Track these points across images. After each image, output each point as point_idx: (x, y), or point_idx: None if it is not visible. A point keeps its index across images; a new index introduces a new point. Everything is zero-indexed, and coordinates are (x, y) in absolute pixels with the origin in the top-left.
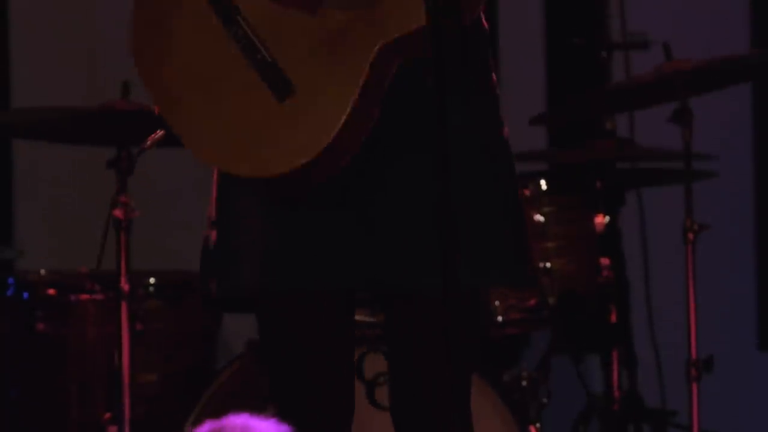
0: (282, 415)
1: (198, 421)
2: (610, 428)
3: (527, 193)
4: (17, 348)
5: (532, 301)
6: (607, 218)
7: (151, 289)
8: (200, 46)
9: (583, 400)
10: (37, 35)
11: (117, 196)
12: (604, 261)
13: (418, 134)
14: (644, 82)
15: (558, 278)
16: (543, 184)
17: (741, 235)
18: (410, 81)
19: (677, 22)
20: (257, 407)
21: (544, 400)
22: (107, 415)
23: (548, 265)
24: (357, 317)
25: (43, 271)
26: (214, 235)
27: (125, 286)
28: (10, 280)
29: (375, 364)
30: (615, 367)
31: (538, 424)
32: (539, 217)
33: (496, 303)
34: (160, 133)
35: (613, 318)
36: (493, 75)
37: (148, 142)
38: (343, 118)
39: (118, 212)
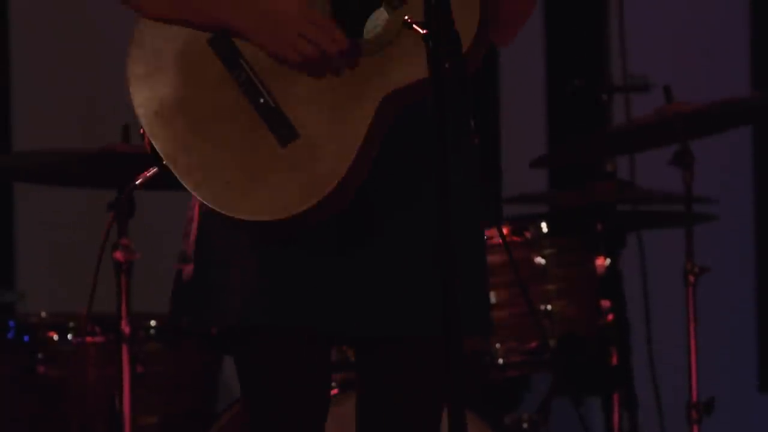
0: None
1: None
2: None
3: (528, 235)
4: (18, 391)
5: (533, 344)
6: (608, 260)
7: (152, 331)
8: (201, 87)
9: None
10: (39, 78)
11: (118, 239)
12: (605, 303)
13: (408, 176)
14: (645, 125)
15: (559, 320)
16: (544, 226)
17: (741, 278)
18: (409, 124)
19: (678, 64)
20: None
21: None
22: None
23: (549, 307)
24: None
25: (43, 314)
26: (189, 269)
27: (126, 328)
28: (11, 323)
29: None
30: (616, 409)
31: None
32: (540, 260)
33: (497, 345)
34: (152, 170)
35: (614, 360)
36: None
37: (140, 180)
38: (347, 166)
39: (118, 254)
